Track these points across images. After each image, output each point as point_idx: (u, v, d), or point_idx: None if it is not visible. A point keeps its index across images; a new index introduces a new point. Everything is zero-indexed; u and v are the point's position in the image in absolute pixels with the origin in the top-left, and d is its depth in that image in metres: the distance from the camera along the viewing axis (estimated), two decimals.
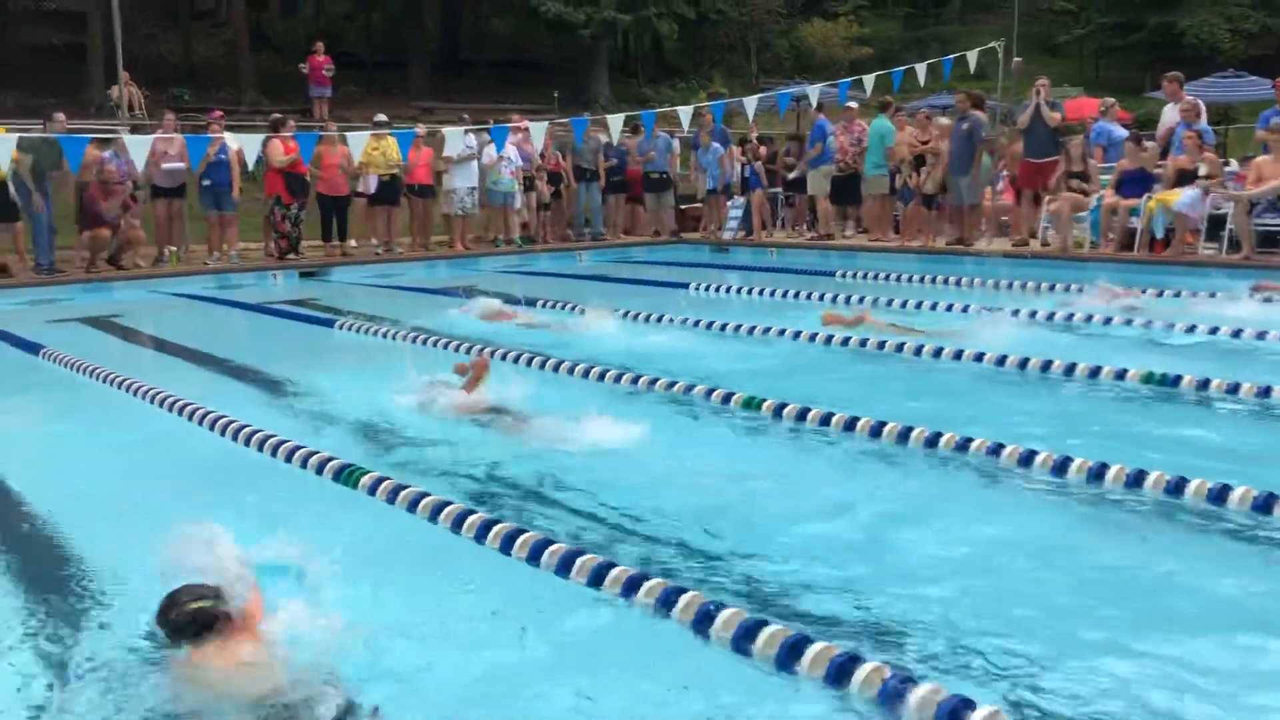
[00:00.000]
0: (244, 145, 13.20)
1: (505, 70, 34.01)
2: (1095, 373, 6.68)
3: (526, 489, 4.85)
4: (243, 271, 13.74)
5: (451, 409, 5.97)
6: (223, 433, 5.72)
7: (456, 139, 14.73)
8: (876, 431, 5.44)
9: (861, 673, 2.92)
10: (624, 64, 35.87)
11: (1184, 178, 12.30)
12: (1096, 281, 10.02)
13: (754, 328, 8.60)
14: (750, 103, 16.44)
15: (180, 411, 6.19)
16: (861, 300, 10.08)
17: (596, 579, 3.63)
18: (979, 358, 7.18)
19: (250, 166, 13.67)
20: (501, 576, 3.84)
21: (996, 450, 5.02)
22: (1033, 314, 9.01)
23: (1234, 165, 13.67)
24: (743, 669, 3.12)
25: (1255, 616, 3.46)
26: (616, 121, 15.75)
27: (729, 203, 16.79)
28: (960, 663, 3.15)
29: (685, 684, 3.08)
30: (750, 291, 11.67)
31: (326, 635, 3.11)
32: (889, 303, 10.00)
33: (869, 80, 16.89)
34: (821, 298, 10.41)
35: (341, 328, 9.68)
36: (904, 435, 5.35)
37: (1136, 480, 4.56)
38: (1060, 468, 4.78)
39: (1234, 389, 6.18)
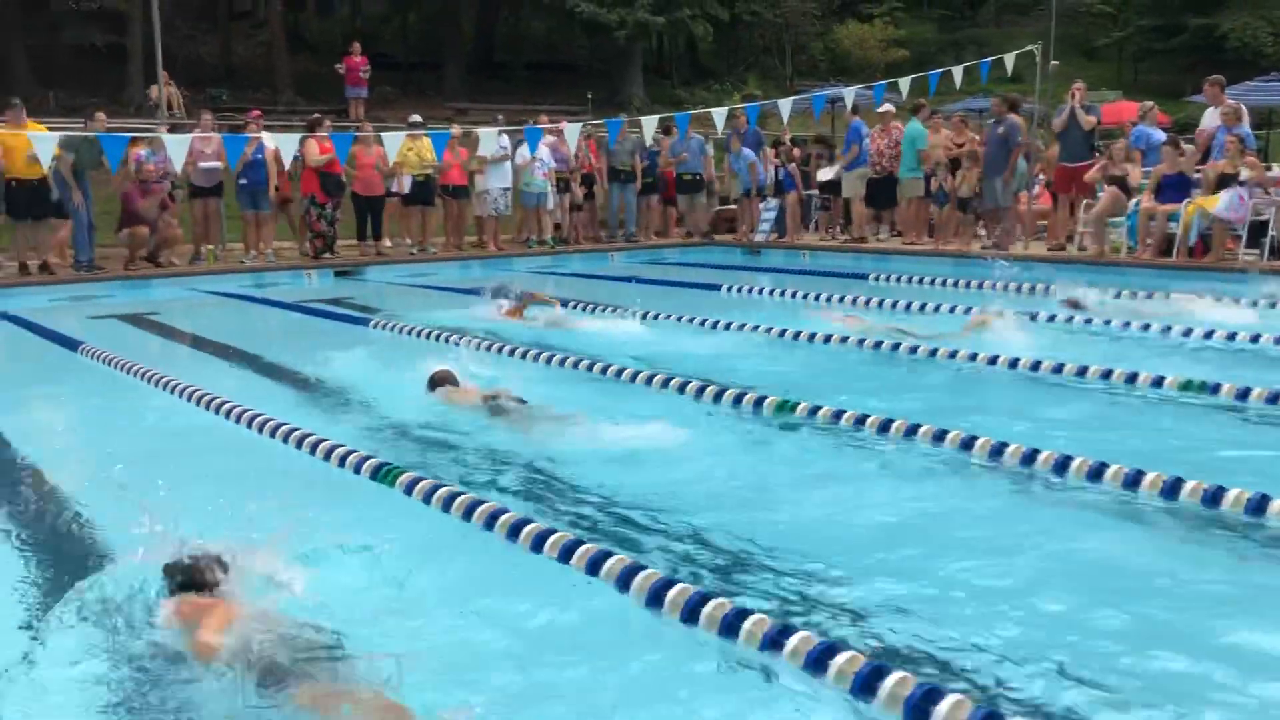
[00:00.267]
0: (281, 145, 13.35)
1: (540, 72, 34.10)
2: (1134, 379, 6.61)
3: (578, 490, 4.85)
4: (278, 270, 13.87)
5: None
6: (260, 430, 5.76)
7: (490, 140, 14.82)
8: (911, 434, 5.42)
9: (888, 683, 2.88)
10: (658, 66, 35.86)
11: (1225, 183, 12.11)
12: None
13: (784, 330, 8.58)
14: (785, 105, 16.44)
15: (216, 409, 6.23)
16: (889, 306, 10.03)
17: (624, 581, 3.63)
18: (1014, 364, 7.13)
19: (287, 166, 13.80)
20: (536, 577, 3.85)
21: (1031, 457, 4.96)
22: (1068, 319, 8.95)
23: (1276, 170, 13.47)
24: (769, 674, 3.11)
25: None
26: (650, 123, 15.78)
27: (762, 205, 16.76)
28: (991, 676, 3.12)
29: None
30: (783, 293, 11.62)
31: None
32: (922, 307, 9.93)
33: (905, 83, 16.82)
34: (854, 301, 10.35)
35: (376, 326, 9.75)
36: (939, 437, 5.32)
37: (1173, 489, 4.49)
38: (1096, 473, 4.71)
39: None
